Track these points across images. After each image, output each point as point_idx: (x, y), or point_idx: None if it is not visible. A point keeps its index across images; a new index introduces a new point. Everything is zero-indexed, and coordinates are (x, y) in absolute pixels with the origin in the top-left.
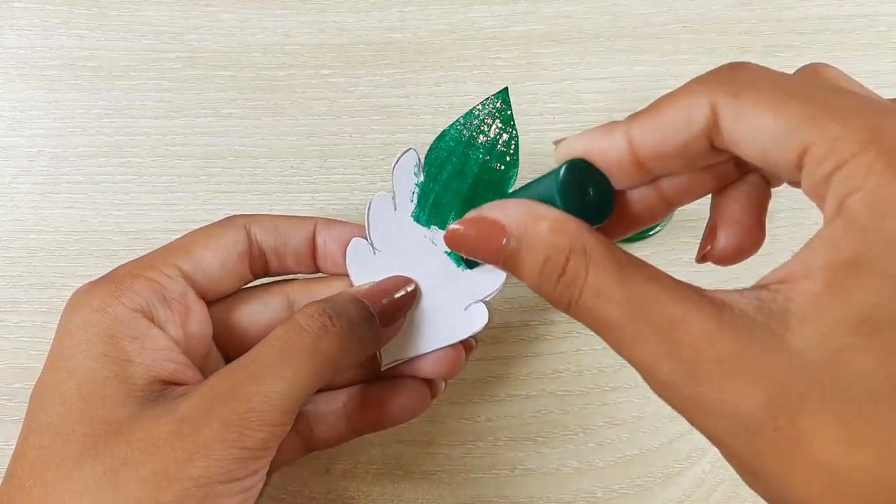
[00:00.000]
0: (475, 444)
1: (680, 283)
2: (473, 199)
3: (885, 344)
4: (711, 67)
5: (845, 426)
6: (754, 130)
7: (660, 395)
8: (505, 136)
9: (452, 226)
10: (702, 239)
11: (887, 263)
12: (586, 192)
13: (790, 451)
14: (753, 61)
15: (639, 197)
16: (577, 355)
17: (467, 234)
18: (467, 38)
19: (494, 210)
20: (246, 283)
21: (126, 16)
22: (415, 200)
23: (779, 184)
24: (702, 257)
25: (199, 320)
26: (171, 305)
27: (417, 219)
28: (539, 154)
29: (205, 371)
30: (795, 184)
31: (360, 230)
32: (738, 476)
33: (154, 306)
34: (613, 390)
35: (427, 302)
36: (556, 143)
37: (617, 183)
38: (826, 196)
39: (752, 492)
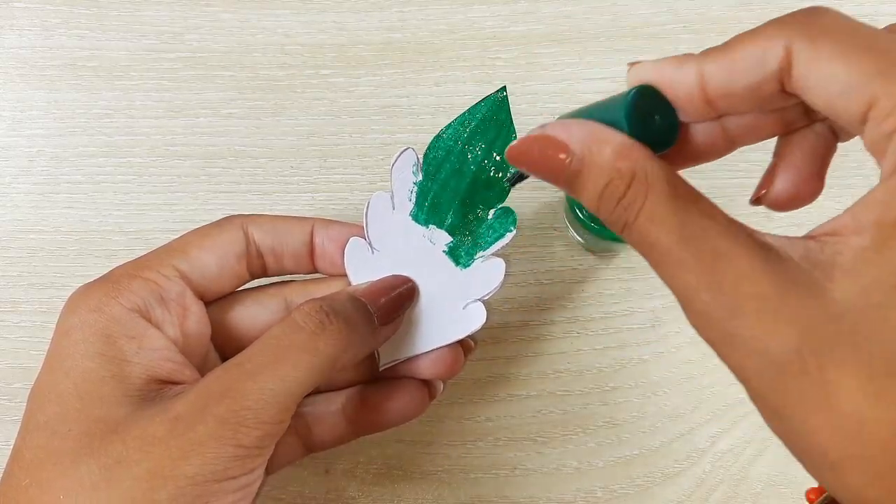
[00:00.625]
0: (475, 444)
1: (733, 221)
2: (471, 197)
3: None
4: None
5: (874, 380)
6: (825, 78)
7: (693, 325)
8: (503, 136)
9: (514, 143)
10: (760, 181)
11: None
12: (652, 120)
13: (816, 396)
14: None
15: (703, 131)
16: (577, 355)
17: (530, 150)
18: (467, 38)
19: (559, 129)
20: (243, 284)
21: (126, 16)
22: (413, 199)
23: (847, 138)
24: (756, 199)
25: (196, 320)
26: (168, 305)
27: (416, 218)
28: None
29: (203, 371)
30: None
31: (359, 230)
32: (737, 476)
33: (151, 306)
34: (613, 390)
35: (425, 301)
36: (631, 64)
37: (683, 115)
38: (886, 153)
39: (751, 492)
